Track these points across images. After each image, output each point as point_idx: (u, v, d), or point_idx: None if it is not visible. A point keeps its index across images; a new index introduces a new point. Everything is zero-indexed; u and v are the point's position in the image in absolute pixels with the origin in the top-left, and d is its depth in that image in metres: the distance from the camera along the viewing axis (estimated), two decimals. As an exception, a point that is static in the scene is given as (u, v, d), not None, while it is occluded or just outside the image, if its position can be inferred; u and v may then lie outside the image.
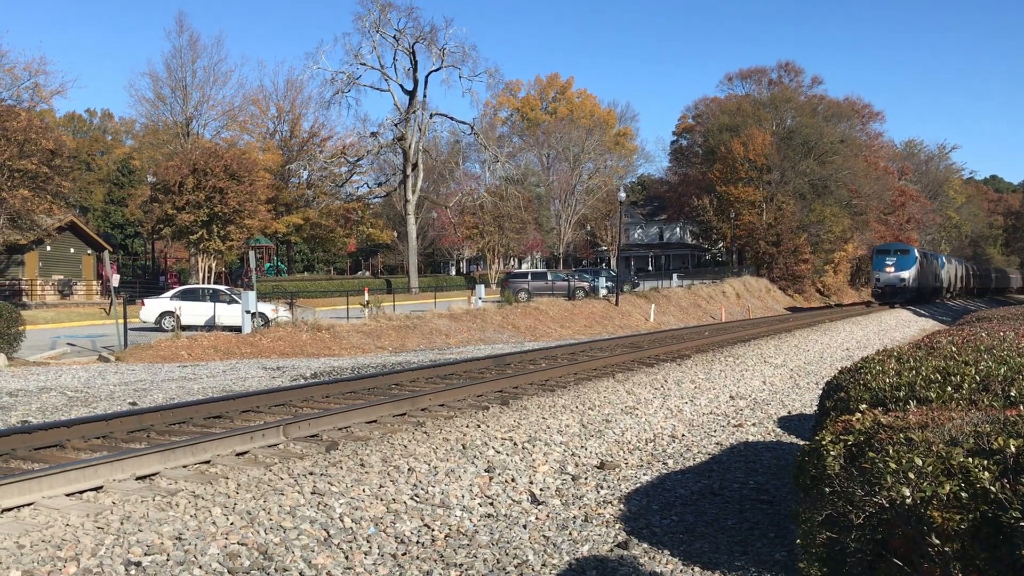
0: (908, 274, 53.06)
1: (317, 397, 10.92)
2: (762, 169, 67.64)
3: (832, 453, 4.08)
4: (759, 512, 6.77)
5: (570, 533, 6.11)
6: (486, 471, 7.41)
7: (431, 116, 54.48)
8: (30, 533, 5.15)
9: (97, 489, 6.21)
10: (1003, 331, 9.46)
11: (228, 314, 24.72)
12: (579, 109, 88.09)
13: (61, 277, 40.64)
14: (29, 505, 5.74)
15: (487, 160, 61.25)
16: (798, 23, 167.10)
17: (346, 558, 5.40)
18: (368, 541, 5.67)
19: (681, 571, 5.47)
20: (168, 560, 4.98)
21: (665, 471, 8.16)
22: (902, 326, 33.27)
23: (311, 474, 6.80)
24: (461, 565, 5.46)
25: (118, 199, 68.86)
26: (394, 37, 51.57)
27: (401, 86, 53.42)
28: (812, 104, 76.51)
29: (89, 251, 42.81)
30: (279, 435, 8.08)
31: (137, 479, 6.53)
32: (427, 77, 54.31)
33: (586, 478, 7.72)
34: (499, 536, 5.99)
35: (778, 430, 10.57)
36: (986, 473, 3.30)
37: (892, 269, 52.83)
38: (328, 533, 5.68)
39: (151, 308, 25.92)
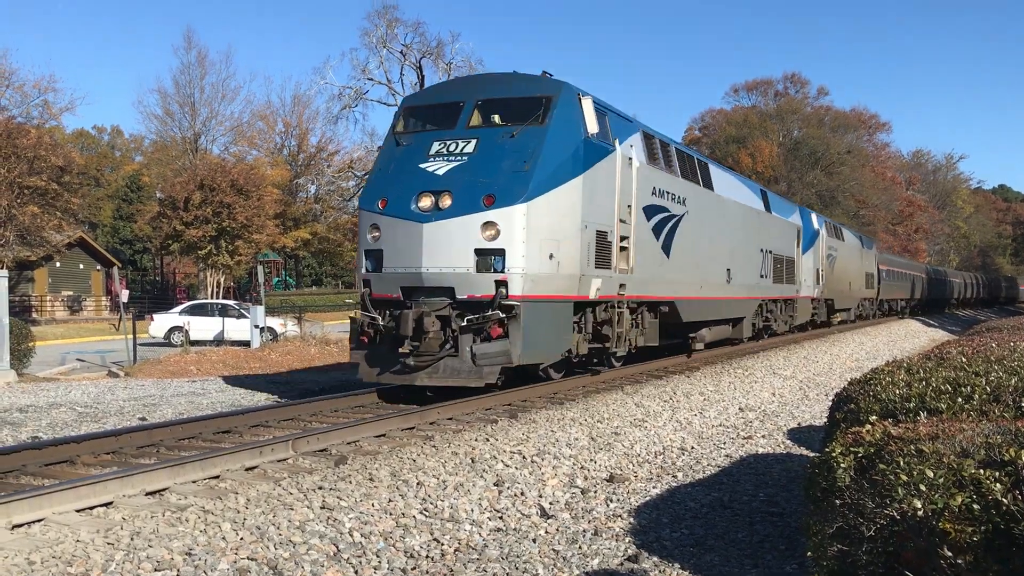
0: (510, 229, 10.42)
1: (326, 411, 10.92)
2: (769, 180, 67.64)
3: (843, 465, 4.08)
4: (769, 525, 6.74)
5: (580, 547, 6.10)
6: (495, 485, 7.40)
7: (438, 130, 54.45)
8: (40, 549, 5.16)
9: (107, 505, 6.22)
10: (1013, 341, 9.42)
11: (237, 329, 24.80)
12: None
13: (70, 293, 40.82)
14: (39, 521, 5.75)
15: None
16: (803, 34, 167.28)
17: (356, 573, 5.39)
18: (377, 556, 5.67)
19: (692, 585, 5.44)
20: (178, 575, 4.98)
21: (675, 484, 8.14)
22: (911, 336, 33.15)
23: (320, 488, 6.79)
24: (471, 579, 5.44)
25: (127, 215, 69.19)
26: (401, 52, 51.83)
27: (408, 100, 53.58)
28: (818, 115, 76.58)
29: (98, 267, 43.01)
30: (288, 450, 8.08)
31: (147, 494, 6.54)
32: (433, 91, 54.41)
33: (596, 491, 7.70)
34: (509, 550, 5.98)
35: (788, 442, 10.53)
36: (998, 485, 3.29)
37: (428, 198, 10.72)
38: (338, 548, 5.68)
39: (160, 323, 26.03)
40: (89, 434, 8.95)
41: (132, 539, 5.43)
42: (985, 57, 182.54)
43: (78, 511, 6.03)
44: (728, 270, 17.94)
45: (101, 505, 6.19)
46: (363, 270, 11.40)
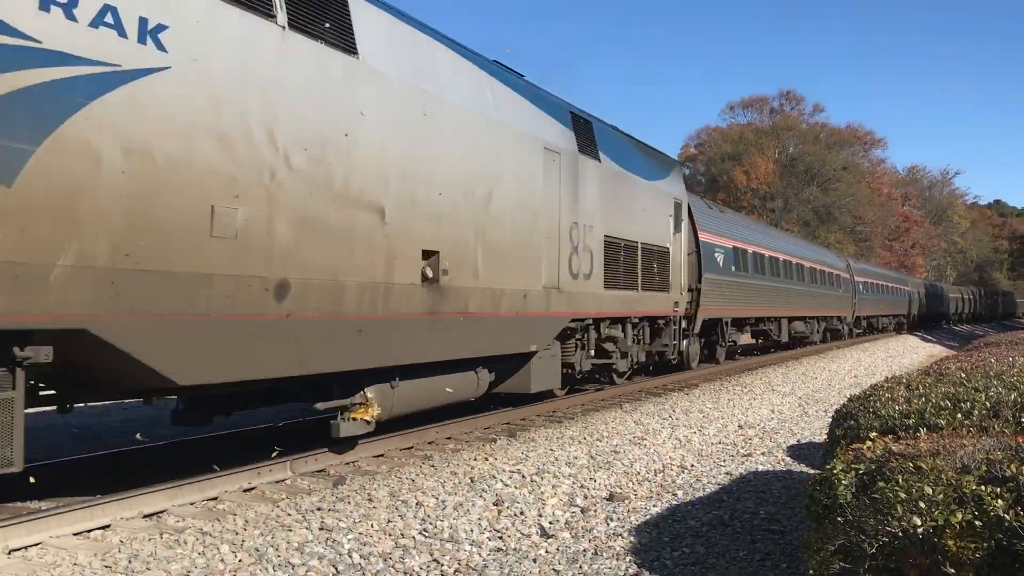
0: None
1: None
2: (765, 197, 67.90)
3: (844, 482, 4.07)
4: (770, 542, 6.71)
5: (580, 567, 6.06)
6: (495, 504, 7.37)
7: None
8: (38, 573, 5.13)
9: (105, 528, 6.19)
10: (1012, 356, 9.43)
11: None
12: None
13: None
14: (37, 545, 5.71)
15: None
16: (798, 51, 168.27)
17: (355, 595, 5.35)
18: (377, 577, 5.63)
19: (693, 604, 5.41)
20: (176, 599, 4.94)
21: (675, 502, 8.10)
22: (909, 352, 33.15)
23: (319, 509, 6.76)
24: (471, 600, 5.41)
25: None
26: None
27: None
28: (814, 131, 76.97)
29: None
30: (286, 470, 8.05)
31: (144, 517, 6.51)
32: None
33: (595, 510, 7.67)
34: (509, 570, 5.95)
35: (787, 459, 10.51)
36: (999, 501, 3.28)
37: None
38: (337, 569, 5.64)
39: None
40: (87, 456, 8.90)
41: (130, 562, 5.40)
42: (979, 73, 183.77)
43: (75, 534, 5.99)
44: None
45: (98, 528, 6.16)
46: None
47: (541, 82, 12.40)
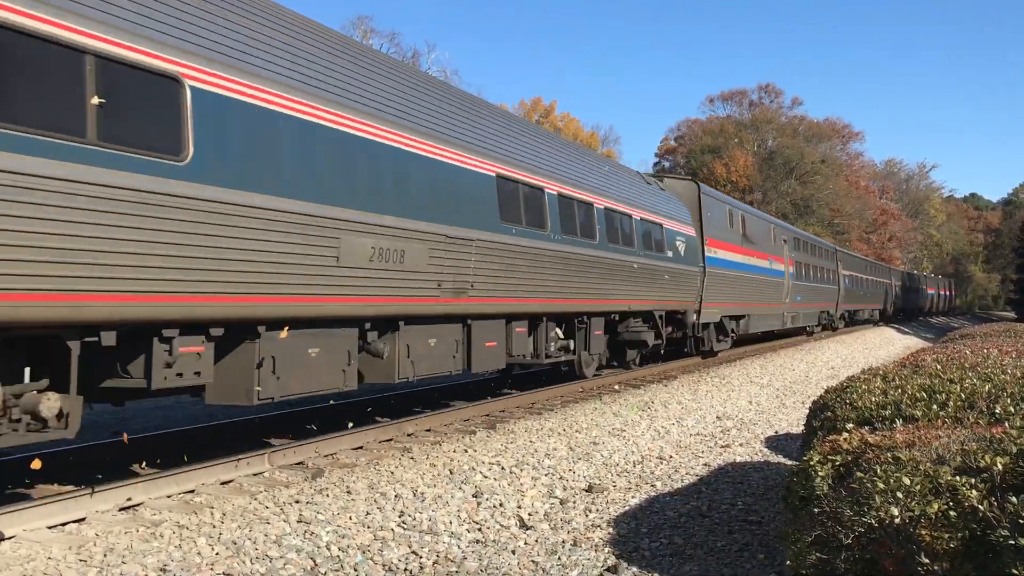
0: None
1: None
2: (744, 190, 68.13)
3: (820, 473, 4.09)
4: (748, 533, 6.75)
5: (559, 558, 6.07)
6: (474, 496, 7.37)
7: (413, 140, 53.89)
8: (11, 567, 5.07)
9: (80, 521, 6.13)
10: (986, 348, 9.53)
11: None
12: (563, 132, 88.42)
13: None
14: (10, 539, 5.65)
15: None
16: (777, 45, 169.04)
17: (333, 587, 5.33)
18: (355, 569, 5.62)
19: (671, 594, 5.43)
20: (152, 592, 4.90)
21: (653, 493, 8.13)
22: (886, 344, 33.45)
23: (297, 502, 6.73)
24: (450, 592, 5.40)
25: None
26: (376, 62, 51.38)
27: (384, 111, 53.36)
28: (793, 125, 77.29)
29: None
30: (264, 463, 8.01)
31: (121, 510, 6.45)
32: (409, 102, 54.07)
33: (574, 502, 7.69)
34: (488, 562, 5.95)
35: (765, 450, 10.57)
36: (974, 491, 3.31)
37: None
38: (315, 562, 5.62)
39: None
40: (62, 449, 8.81)
41: (105, 555, 5.35)
42: (955, 69, 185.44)
43: (50, 527, 5.93)
44: None
45: (74, 521, 6.10)
46: None
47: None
